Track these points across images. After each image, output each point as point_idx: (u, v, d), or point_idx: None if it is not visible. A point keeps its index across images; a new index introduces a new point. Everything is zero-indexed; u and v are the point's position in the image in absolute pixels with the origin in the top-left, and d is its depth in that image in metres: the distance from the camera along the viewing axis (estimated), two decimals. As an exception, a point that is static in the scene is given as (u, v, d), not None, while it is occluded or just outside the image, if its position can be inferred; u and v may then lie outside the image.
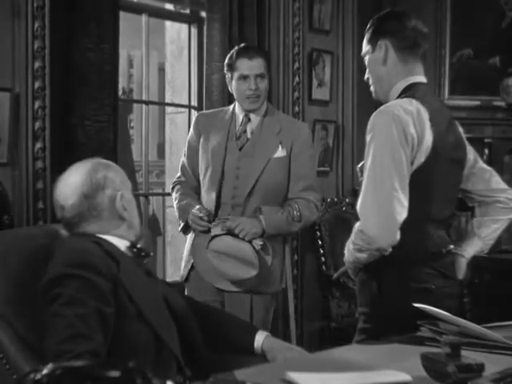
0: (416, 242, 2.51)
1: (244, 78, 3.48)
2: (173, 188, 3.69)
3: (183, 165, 3.67)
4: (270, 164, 3.47)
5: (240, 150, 3.51)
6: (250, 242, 3.40)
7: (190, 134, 3.68)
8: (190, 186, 3.64)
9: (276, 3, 4.93)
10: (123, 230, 2.27)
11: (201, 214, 3.45)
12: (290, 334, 3.94)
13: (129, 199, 2.30)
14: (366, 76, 2.70)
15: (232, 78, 3.54)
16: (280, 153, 3.49)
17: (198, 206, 3.50)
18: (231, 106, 3.64)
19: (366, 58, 2.67)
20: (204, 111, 3.93)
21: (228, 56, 3.60)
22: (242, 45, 3.68)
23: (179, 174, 3.69)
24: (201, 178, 3.58)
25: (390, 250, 2.44)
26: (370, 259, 2.49)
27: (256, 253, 3.39)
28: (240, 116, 3.55)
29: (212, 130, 3.56)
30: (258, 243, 3.41)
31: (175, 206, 3.64)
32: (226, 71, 3.59)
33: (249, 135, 3.52)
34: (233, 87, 3.55)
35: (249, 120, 3.54)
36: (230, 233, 3.40)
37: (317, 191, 3.59)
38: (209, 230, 3.45)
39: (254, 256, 3.38)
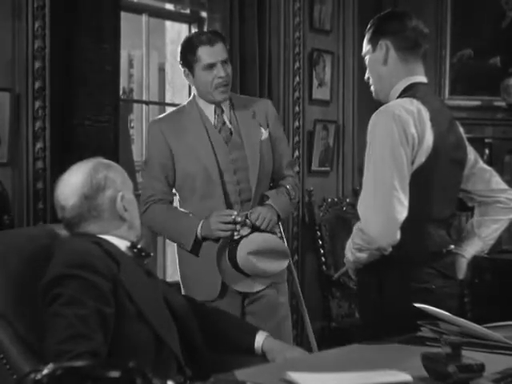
0: (416, 241, 2.51)
1: (210, 66, 3.20)
2: (146, 210, 3.24)
3: (152, 181, 3.29)
4: (262, 148, 3.31)
5: (227, 143, 3.29)
6: (270, 231, 3.23)
7: (151, 144, 3.33)
8: (169, 202, 3.34)
9: (276, 3, 4.93)
10: (124, 230, 2.27)
11: (233, 216, 3.14)
12: (308, 335, 3.89)
13: (130, 200, 2.30)
14: (366, 76, 2.70)
15: (193, 71, 3.25)
16: (264, 134, 3.33)
17: (217, 212, 3.18)
18: (190, 102, 3.37)
19: (367, 58, 2.67)
20: (156, 117, 3.53)
21: (183, 47, 3.30)
22: (196, 31, 3.39)
23: (150, 192, 3.28)
24: (182, 187, 3.31)
25: (391, 249, 2.44)
26: (371, 259, 2.49)
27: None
28: (210, 109, 3.30)
29: (180, 132, 3.27)
30: (277, 231, 3.31)
31: (167, 223, 3.29)
32: (182, 65, 3.29)
33: (229, 126, 3.31)
34: (196, 80, 3.26)
35: (222, 111, 3.31)
36: (253, 229, 3.19)
37: (293, 166, 3.58)
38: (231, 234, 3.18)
39: (283, 244, 3.28)
